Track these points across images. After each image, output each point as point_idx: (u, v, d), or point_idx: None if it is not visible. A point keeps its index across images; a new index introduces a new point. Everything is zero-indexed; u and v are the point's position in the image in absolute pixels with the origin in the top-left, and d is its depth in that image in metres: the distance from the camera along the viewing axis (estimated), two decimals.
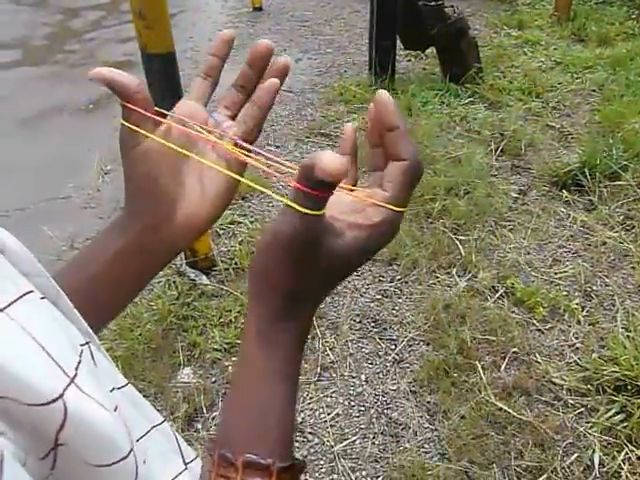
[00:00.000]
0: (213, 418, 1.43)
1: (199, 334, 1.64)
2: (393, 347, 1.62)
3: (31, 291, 0.22)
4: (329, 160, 0.25)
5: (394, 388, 1.50)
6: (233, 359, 1.58)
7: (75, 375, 0.20)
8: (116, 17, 4.73)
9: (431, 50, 3.17)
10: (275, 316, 0.29)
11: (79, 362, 0.21)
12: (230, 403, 0.30)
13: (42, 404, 0.19)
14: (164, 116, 0.38)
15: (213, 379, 1.52)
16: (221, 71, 0.41)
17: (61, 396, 0.19)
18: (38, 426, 0.19)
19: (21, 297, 0.21)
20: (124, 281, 0.38)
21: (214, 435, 0.29)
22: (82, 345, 0.24)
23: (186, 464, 0.31)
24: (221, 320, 1.69)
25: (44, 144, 2.79)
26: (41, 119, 3.04)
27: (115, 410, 0.22)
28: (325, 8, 4.87)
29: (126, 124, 0.35)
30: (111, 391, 0.24)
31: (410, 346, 1.62)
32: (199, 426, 1.41)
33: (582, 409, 1.40)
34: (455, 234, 2.00)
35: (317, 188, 0.25)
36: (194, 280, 1.83)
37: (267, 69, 0.38)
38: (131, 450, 0.23)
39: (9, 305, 0.20)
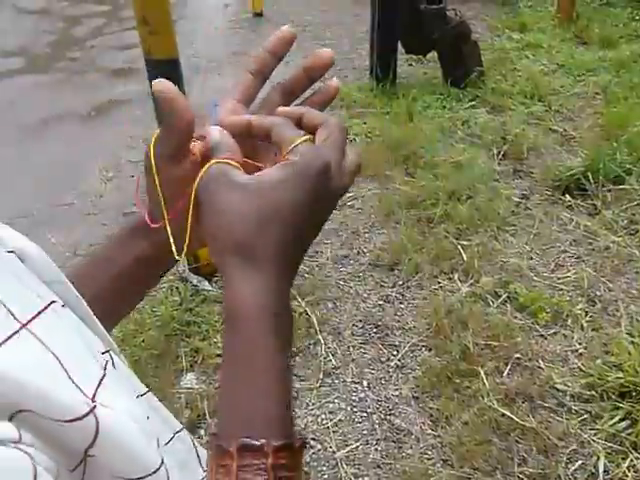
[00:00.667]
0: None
1: (202, 340, 1.64)
2: (395, 353, 1.61)
3: (53, 301, 0.22)
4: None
5: (396, 394, 1.50)
6: None
7: (99, 389, 0.20)
8: (117, 24, 4.76)
9: (432, 54, 3.18)
10: (275, 283, 0.29)
11: (103, 375, 0.21)
12: (221, 392, 0.29)
13: (71, 420, 0.19)
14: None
15: (216, 385, 1.52)
16: (273, 71, 0.38)
17: (90, 412, 0.19)
18: (67, 441, 0.19)
19: (44, 310, 0.21)
20: (139, 283, 0.39)
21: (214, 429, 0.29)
22: (103, 353, 0.24)
23: (205, 471, 0.31)
24: (224, 326, 1.69)
25: (47, 151, 2.81)
26: (44, 126, 3.06)
27: (148, 419, 0.22)
28: (326, 13, 4.89)
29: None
30: (137, 398, 0.25)
31: (412, 352, 1.62)
32: (202, 432, 1.41)
33: (586, 415, 1.39)
34: (457, 239, 2.00)
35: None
36: (197, 286, 1.84)
37: (317, 92, 0.38)
38: (162, 463, 0.23)
39: (31, 320, 0.20)
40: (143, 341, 1.63)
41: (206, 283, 1.85)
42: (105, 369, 0.22)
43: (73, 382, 0.20)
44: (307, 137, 0.30)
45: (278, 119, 0.33)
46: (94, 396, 0.20)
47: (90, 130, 3.04)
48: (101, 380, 0.21)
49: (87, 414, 0.19)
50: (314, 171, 0.28)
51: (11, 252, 0.24)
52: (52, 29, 4.73)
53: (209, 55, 3.97)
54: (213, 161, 0.30)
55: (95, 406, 0.19)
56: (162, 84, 0.32)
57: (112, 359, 0.25)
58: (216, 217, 0.29)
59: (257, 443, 0.25)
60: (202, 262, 1.85)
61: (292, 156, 0.29)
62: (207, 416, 1.44)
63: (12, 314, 0.19)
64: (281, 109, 0.34)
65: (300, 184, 0.28)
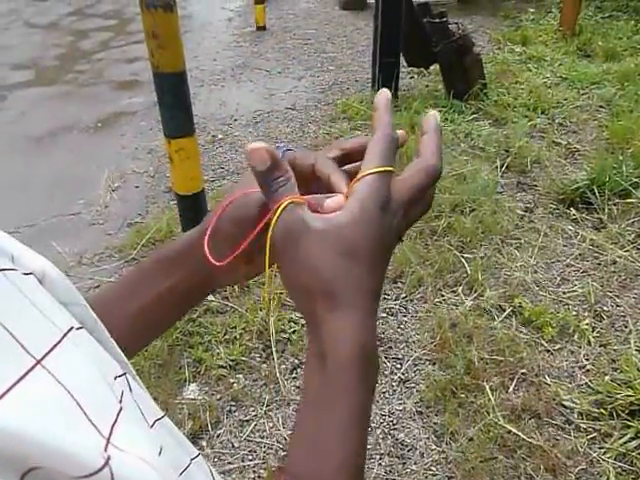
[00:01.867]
0: (218, 436, 1.41)
1: (204, 350, 1.63)
2: (399, 366, 1.60)
3: (71, 328, 0.22)
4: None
5: (400, 408, 1.48)
6: (238, 376, 1.56)
7: (114, 427, 0.19)
8: (123, 38, 4.85)
9: (434, 67, 3.20)
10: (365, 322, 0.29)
11: (120, 409, 0.20)
12: (297, 429, 0.29)
13: (86, 476, 0.18)
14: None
15: (218, 396, 1.51)
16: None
17: (105, 465, 0.18)
18: None
19: (60, 341, 0.20)
20: (166, 317, 0.38)
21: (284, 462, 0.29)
22: (120, 376, 0.23)
23: None
24: (226, 337, 1.68)
25: (54, 162, 2.83)
26: (52, 137, 3.10)
27: (160, 453, 0.21)
28: (327, 26, 4.96)
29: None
30: (152, 426, 0.24)
31: (416, 365, 1.60)
32: (204, 444, 1.39)
33: (595, 434, 1.36)
34: (461, 252, 1.99)
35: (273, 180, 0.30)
36: None
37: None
38: None
39: (46, 355, 0.19)
40: (146, 351, 1.62)
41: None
42: (121, 401, 0.21)
43: (90, 421, 0.19)
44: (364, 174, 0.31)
45: (333, 168, 0.34)
46: (110, 435, 0.19)
47: (96, 141, 3.07)
48: (118, 414, 0.20)
49: (102, 467, 0.18)
50: (377, 206, 0.30)
51: (29, 274, 0.23)
52: (60, 43, 4.82)
53: (213, 68, 4.03)
54: (285, 203, 0.30)
55: (109, 457, 0.18)
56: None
57: (129, 383, 0.24)
58: (299, 265, 0.29)
59: None
60: None
61: (351, 198, 0.30)
62: (209, 427, 1.42)
63: (25, 349, 0.19)
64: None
65: (368, 221, 0.29)
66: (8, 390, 0.17)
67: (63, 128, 3.19)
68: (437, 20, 2.89)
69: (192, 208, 1.78)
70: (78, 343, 0.21)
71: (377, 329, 0.31)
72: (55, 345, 0.20)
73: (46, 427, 0.17)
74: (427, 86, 3.34)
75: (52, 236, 2.20)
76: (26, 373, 0.18)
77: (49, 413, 0.18)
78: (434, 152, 0.33)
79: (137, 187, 2.59)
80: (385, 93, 0.34)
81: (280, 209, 0.30)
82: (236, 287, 1.87)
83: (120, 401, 0.21)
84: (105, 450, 0.18)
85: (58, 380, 0.19)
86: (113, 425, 0.19)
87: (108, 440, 0.19)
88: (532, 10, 4.69)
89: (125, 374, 0.24)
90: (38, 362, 0.18)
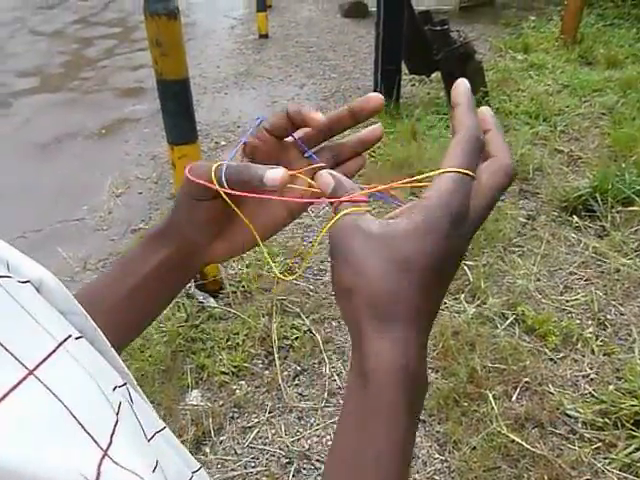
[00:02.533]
0: (221, 442, 1.41)
1: (207, 356, 1.63)
2: None
3: (68, 336, 0.21)
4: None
5: None
6: (240, 382, 1.56)
7: (110, 443, 0.19)
8: (128, 45, 4.89)
9: (435, 74, 3.22)
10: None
11: (116, 422, 0.20)
12: (337, 445, 0.27)
13: None
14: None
15: (221, 402, 1.51)
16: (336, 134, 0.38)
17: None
18: None
19: (56, 349, 0.20)
20: (160, 294, 0.38)
21: None
22: (119, 387, 0.23)
23: None
24: (229, 343, 1.68)
25: (59, 168, 2.86)
26: (57, 144, 3.12)
27: (155, 468, 0.21)
28: (329, 34, 5.00)
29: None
30: (151, 438, 0.23)
31: None
32: (207, 450, 1.39)
33: (599, 444, 1.35)
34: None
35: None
36: (202, 302, 1.83)
37: (361, 133, 0.38)
38: None
39: (41, 363, 0.18)
40: (150, 356, 1.62)
41: (211, 300, 1.85)
42: (118, 412, 0.21)
43: (87, 433, 0.18)
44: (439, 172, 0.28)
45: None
46: (109, 447, 0.19)
47: (100, 148, 3.09)
48: (115, 426, 0.20)
49: None
50: (447, 218, 0.27)
51: (26, 282, 0.22)
52: (65, 50, 4.86)
53: (216, 75, 4.06)
54: (346, 211, 0.29)
55: (99, 473, 0.18)
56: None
57: (129, 394, 0.23)
58: (351, 271, 0.27)
59: None
60: (208, 278, 1.85)
61: (420, 203, 0.28)
62: (212, 434, 1.42)
63: (17, 358, 0.18)
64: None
65: (432, 232, 0.26)
66: None
67: (68, 135, 3.21)
68: (439, 28, 2.91)
69: None
70: (75, 352, 0.21)
71: (426, 349, 0.28)
72: (49, 354, 0.19)
73: (29, 448, 0.16)
74: (429, 94, 3.36)
75: (57, 241, 2.21)
76: (18, 383, 0.17)
77: (39, 428, 0.17)
78: (505, 150, 0.29)
79: (140, 193, 2.61)
80: (464, 84, 0.30)
81: (340, 215, 0.29)
82: (239, 293, 1.87)
83: (117, 413, 0.20)
84: (100, 464, 0.18)
85: (51, 391, 0.18)
86: (112, 436, 0.19)
87: (105, 452, 0.18)
88: (533, 18, 4.71)
89: (125, 384, 0.24)
90: (31, 372, 0.18)
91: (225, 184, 0.32)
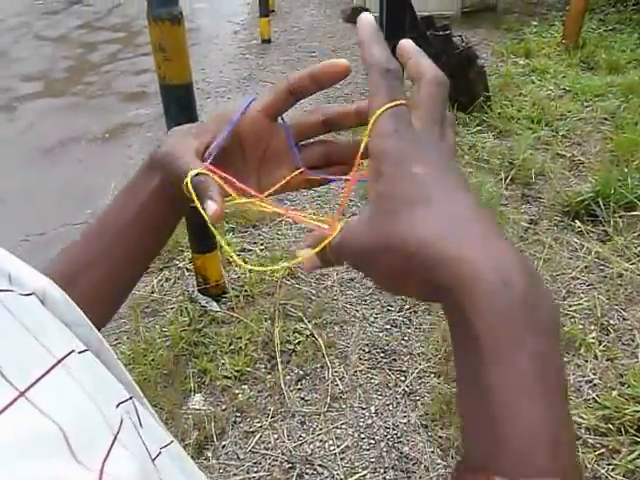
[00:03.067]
0: (223, 447, 1.41)
1: (210, 361, 1.63)
2: (403, 379, 1.59)
3: (71, 352, 0.20)
4: None
5: (404, 421, 1.47)
6: (243, 387, 1.56)
7: (104, 465, 0.18)
8: (131, 50, 4.93)
9: None
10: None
11: (113, 442, 0.19)
12: (486, 414, 0.21)
13: None
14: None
15: (223, 407, 1.51)
16: (307, 95, 0.35)
17: None
18: None
19: (50, 369, 0.19)
20: (157, 223, 0.37)
21: (464, 457, 0.23)
22: (124, 402, 0.22)
23: None
24: (231, 347, 1.69)
25: (63, 172, 2.87)
26: (60, 148, 3.14)
27: None
28: (332, 39, 5.02)
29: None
30: (156, 457, 0.22)
31: (420, 378, 1.59)
32: (209, 454, 1.39)
33: (603, 450, 1.34)
34: None
35: None
36: (205, 307, 1.84)
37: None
38: None
39: (33, 384, 0.18)
40: (153, 360, 1.63)
41: (214, 304, 1.86)
42: (119, 432, 0.20)
43: (75, 458, 0.17)
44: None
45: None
46: (102, 472, 0.17)
47: (104, 152, 3.11)
48: (110, 448, 0.19)
49: None
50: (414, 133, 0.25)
51: (30, 294, 0.22)
52: (70, 55, 4.90)
53: (219, 80, 4.08)
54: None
55: None
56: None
57: (135, 408, 0.23)
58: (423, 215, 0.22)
59: None
60: (210, 283, 1.86)
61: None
62: (214, 438, 1.42)
63: (7, 379, 0.17)
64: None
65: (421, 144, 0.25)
66: None
67: (71, 139, 3.23)
68: (441, 33, 2.93)
69: (198, 218, 1.80)
70: (76, 369, 0.20)
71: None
72: (44, 374, 0.18)
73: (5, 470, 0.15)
74: None
75: (61, 245, 2.20)
76: (8, 405, 0.16)
77: (28, 452, 0.16)
78: (431, 66, 0.28)
79: None
80: (366, 19, 0.29)
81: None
82: (241, 297, 1.87)
83: (116, 433, 0.19)
84: None
85: (43, 412, 0.17)
86: (104, 460, 0.18)
87: (100, 475, 0.17)
88: (535, 23, 4.72)
89: (131, 398, 0.23)
90: (22, 394, 0.17)
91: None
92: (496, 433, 0.20)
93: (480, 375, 0.21)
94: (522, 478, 0.20)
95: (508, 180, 2.46)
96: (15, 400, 0.17)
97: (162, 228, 0.39)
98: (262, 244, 2.18)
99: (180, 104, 1.58)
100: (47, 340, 0.20)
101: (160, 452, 0.23)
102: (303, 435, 1.43)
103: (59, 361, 0.19)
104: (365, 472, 1.34)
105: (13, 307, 0.20)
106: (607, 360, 1.60)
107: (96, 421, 0.19)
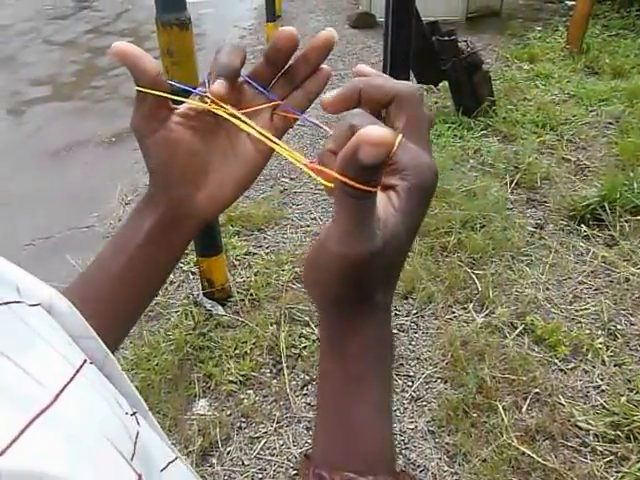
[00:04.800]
0: (228, 453, 1.40)
1: (215, 365, 1.63)
2: (410, 384, 1.58)
3: (84, 362, 0.20)
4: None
5: (412, 427, 1.46)
6: (248, 392, 1.56)
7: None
8: None
9: (443, 84, 3.23)
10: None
11: (133, 453, 0.19)
12: (320, 419, 0.27)
13: None
14: (184, 96, 0.38)
15: (229, 412, 1.50)
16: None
17: None
18: None
19: (74, 376, 0.19)
20: (159, 257, 0.37)
21: (310, 451, 0.27)
22: (131, 415, 0.22)
23: None
24: (236, 352, 1.68)
25: (70, 175, 2.89)
26: (67, 151, 3.16)
27: None
28: (338, 44, 4.99)
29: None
30: (164, 469, 0.23)
31: (427, 383, 1.58)
32: (214, 461, 1.38)
33: (612, 457, 1.33)
34: (471, 268, 1.98)
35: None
36: (210, 310, 1.84)
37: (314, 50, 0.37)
38: None
39: (62, 390, 0.18)
40: (157, 365, 1.62)
41: (219, 308, 1.86)
42: (135, 443, 0.20)
43: (126, 460, 0.18)
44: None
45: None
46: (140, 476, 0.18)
47: (111, 155, 3.12)
48: (132, 455, 0.19)
49: None
50: (430, 186, 0.27)
51: (37, 305, 0.21)
52: (78, 59, 4.94)
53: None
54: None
55: None
56: (121, 45, 0.32)
57: (138, 423, 0.22)
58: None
59: None
60: (216, 286, 1.86)
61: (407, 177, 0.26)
62: (219, 444, 1.41)
63: (41, 384, 0.17)
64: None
65: (424, 202, 0.27)
66: (21, 433, 0.15)
67: (78, 142, 3.25)
68: (446, 38, 2.93)
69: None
70: (92, 378, 0.20)
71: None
72: (69, 381, 0.19)
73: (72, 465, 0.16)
74: (436, 103, 3.37)
75: (66, 249, 2.23)
76: (41, 412, 0.16)
77: (69, 458, 0.16)
78: (393, 85, 0.29)
79: None
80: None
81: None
82: (247, 301, 1.87)
83: (136, 440, 0.20)
84: None
85: (77, 418, 0.17)
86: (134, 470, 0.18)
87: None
88: (539, 28, 4.73)
89: (135, 413, 0.23)
90: (55, 398, 0.17)
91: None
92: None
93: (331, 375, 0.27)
94: (325, 471, 0.24)
95: (513, 184, 2.45)
96: (51, 404, 0.17)
97: (157, 271, 0.39)
98: (267, 247, 2.18)
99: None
100: (62, 350, 0.20)
101: (168, 465, 0.23)
102: (309, 441, 1.43)
103: (78, 370, 0.20)
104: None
105: (27, 318, 0.20)
106: (615, 366, 1.59)
107: (120, 427, 0.19)
